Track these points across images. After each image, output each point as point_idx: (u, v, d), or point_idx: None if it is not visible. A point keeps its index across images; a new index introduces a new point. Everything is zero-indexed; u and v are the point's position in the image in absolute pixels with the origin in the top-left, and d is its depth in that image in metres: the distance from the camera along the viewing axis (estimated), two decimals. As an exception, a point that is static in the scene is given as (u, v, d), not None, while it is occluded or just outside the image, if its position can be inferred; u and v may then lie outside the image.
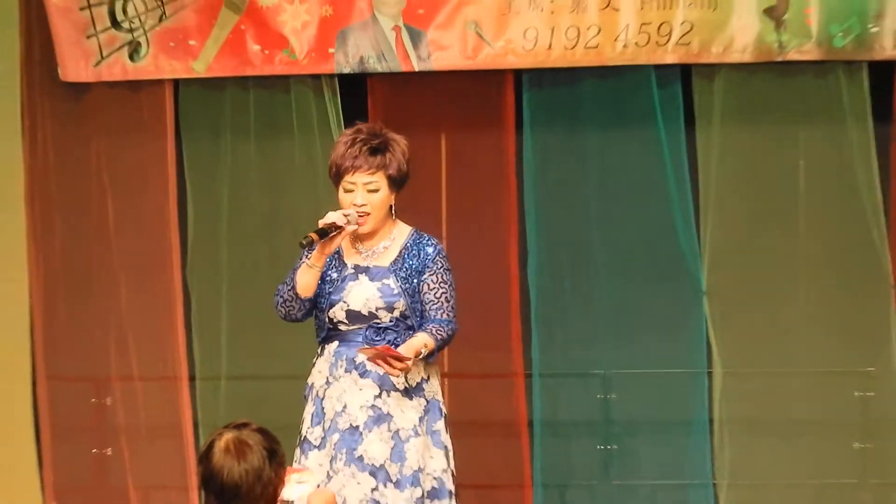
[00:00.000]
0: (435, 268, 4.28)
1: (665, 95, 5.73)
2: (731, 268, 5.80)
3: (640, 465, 5.84)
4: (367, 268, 4.29)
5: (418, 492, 4.28)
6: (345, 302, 4.25)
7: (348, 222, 4.18)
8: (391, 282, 4.25)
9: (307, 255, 4.24)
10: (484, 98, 5.82)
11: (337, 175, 4.23)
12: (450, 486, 4.36)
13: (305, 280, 4.23)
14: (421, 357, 4.16)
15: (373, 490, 4.20)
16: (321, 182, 5.59)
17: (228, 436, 3.44)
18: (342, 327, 4.28)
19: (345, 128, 5.62)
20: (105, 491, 6.05)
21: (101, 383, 5.99)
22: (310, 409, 4.33)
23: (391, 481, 4.27)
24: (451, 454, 4.40)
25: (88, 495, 6.04)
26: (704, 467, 5.76)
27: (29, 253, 5.99)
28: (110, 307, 6.01)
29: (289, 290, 4.28)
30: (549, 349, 5.90)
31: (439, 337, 4.20)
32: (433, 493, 4.33)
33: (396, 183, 4.22)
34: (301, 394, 4.38)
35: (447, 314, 4.27)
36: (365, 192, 4.18)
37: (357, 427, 4.22)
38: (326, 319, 4.29)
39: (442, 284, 4.27)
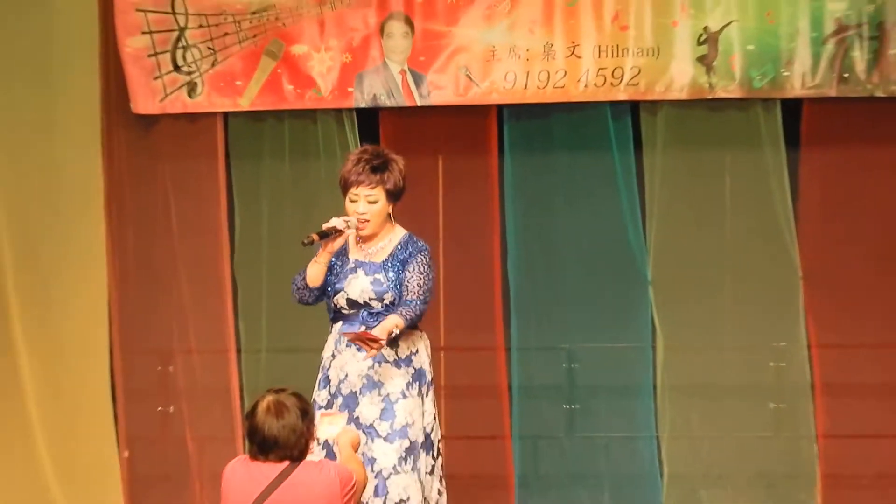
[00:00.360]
0: (415, 262, 4.35)
1: (618, 126, 5.95)
2: (671, 263, 5.99)
3: (598, 421, 6.01)
4: (365, 263, 4.38)
5: (406, 443, 4.33)
6: (345, 291, 4.36)
7: (348, 226, 4.29)
8: (382, 277, 4.35)
9: (314, 250, 4.33)
10: (473, 128, 6.02)
11: (344, 186, 4.34)
12: (434, 438, 4.44)
13: (313, 272, 4.33)
14: (393, 335, 4.20)
15: (363, 445, 4.25)
16: (341, 195, 5.87)
17: (269, 398, 3.70)
18: (344, 311, 4.39)
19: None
20: (167, 442, 6.18)
21: (165, 355, 6.18)
22: (319, 376, 4.44)
23: (380, 437, 4.32)
24: (435, 413, 4.48)
25: (154, 445, 6.18)
26: (649, 423, 5.95)
27: (107, 252, 6.13)
28: (172, 294, 6.17)
29: (301, 279, 4.38)
30: (524, 328, 6.08)
31: (408, 316, 4.23)
32: (421, 444, 4.40)
33: (393, 196, 4.33)
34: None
35: (417, 296, 4.29)
36: (366, 202, 4.29)
37: (355, 392, 4.34)
38: (332, 304, 4.40)
39: (418, 274, 4.33)
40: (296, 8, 5.93)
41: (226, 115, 6.09)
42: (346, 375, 4.33)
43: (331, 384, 4.36)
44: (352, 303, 4.34)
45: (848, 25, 5.73)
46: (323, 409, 4.27)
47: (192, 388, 6.16)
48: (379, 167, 4.29)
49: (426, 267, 4.35)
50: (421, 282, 4.30)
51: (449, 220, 6.08)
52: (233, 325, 6.15)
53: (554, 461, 6.07)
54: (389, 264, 4.36)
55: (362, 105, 5.96)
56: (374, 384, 4.33)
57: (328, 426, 4.06)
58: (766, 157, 5.91)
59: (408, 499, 4.26)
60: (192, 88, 6.03)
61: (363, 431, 4.25)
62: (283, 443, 3.64)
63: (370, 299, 4.31)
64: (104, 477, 6.09)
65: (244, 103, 6.01)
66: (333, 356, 4.38)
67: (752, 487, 5.93)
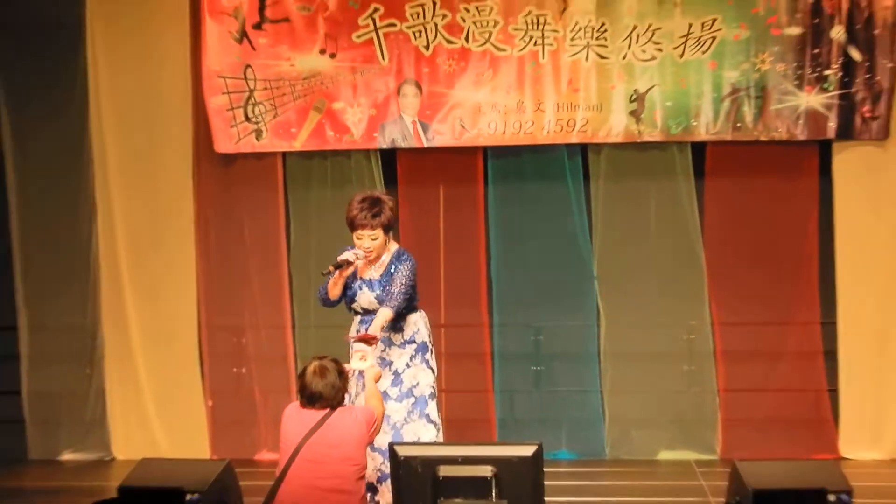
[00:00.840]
0: (400, 268, 4.45)
1: (571, 162, 6.21)
2: (611, 264, 6.25)
3: (557, 379, 6.26)
4: (367, 281, 4.48)
5: (412, 400, 4.47)
6: (357, 303, 4.53)
7: (356, 257, 4.41)
8: (380, 291, 4.46)
9: (331, 277, 4.43)
10: (465, 164, 6.27)
11: (351, 226, 4.46)
12: (434, 392, 4.54)
13: (333, 291, 4.49)
14: (384, 327, 4.32)
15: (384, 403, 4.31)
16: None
17: (315, 363, 3.98)
18: (359, 313, 4.56)
19: (383, 182, 6.22)
20: (240, 394, 6.34)
21: (238, 330, 6.37)
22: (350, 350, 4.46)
23: (392, 399, 4.46)
24: (435, 373, 4.60)
25: (231, 396, 6.35)
26: (595, 381, 6.21)
27: (196, 254, 6.33)
28: (244, 285, 6.36)
29: (324, 292, 4.51)
30: (502, 311, 6.30)
31: (392, 306, 4.34)
32: (425, 398, 4.50)
33: (388, 228, 4.47)
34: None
35: (398, 289, 4.37)
36: (369, 240, 4.43)
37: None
38: (351, 308, 4.56)
39: (400, 276, 4.42)
40: (335, 75, 6.15)
41: (284, 154, 6.28)
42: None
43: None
44: (364, 310, 4.52)
45: (739, 88, 5.99)
46: (356, 346, 4.32)
47: (258, 355, 6.33)
48: (377, 213, 4.40)
49: (408, 271, 4.43)
50: (403, 280, 4.39)
51: (447, 232, 6.28)
52: (289, 309, 6.31)
53: (525, 409, 6.28)
54: (386, 279, 4.48)
55: (384, 146, 6.21)
56: (386, 363, 4.50)
57: (359, 361, 4.24)
58: (680, 185, 6.16)
59: (419, 439, 4.39)
60: (258, 134, 6.23)
61: (385, 396, 4.39)
62: (325, 396, 3.91)
63: (374, 307, 4.49)
64: (193, 420, 6.30)
65: (297, 145, 6.23)
66: (354, 341, 4.45)
67: (669, 429, 6.17)
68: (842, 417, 6.07)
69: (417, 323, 4.57)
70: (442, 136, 6.17)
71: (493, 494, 3.84)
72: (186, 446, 6.12)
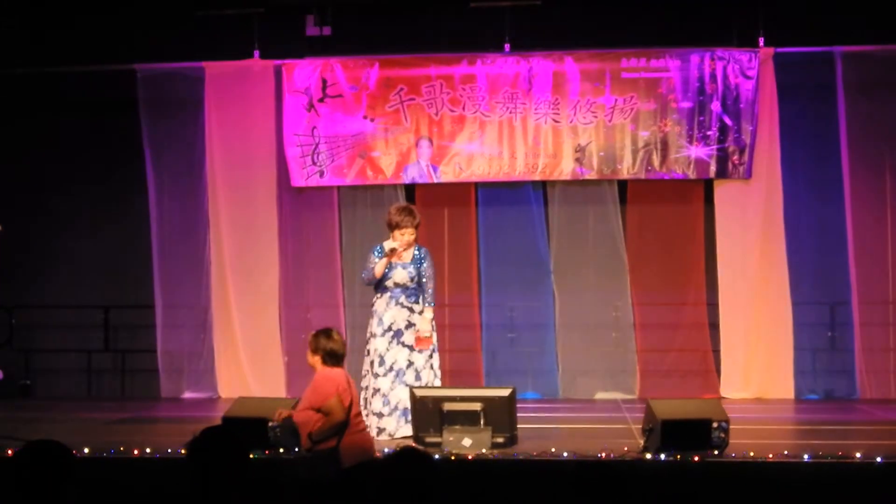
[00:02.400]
0: (425, 264, 4.37)
1: (535, 193, 6.14)
2: (563, 261, 6.16)
3: (525, 342, 6.11)
4: (400, 263, 4.38)
5: (427, 354, 4.33)
6: (392, 279, 4.36)
7: (399, 247, 4.34)
8: (409, 270, 4.36)
9: (378, 258, 4.31)
10: (463, 194, 6.19)
11: (393, 226, 4.36)
12: (436, 348, 4.43)
13: (378, 269, 4.33)
14: (433, 322, 4.26)
15: (409, 356, 4.27)
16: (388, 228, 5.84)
17: (334, 333, 3.64)
18: (390, 287, 4.35)
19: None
20: (307, 345, 5.72)
21: (304, 307, 6.23)
22: (374, 319, 4.37)
23: (415, 351, 4.31)
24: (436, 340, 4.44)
25: (300, 353, 5.36)
26: (552, 344, 6.08)
27: (279, 255, 6.17)
28: (310, 276, 6.23)
29: (370, 273, 4.35)
30: (488, 294, 6.21)
31: (431, 301, 4.31)
32: (434, 350, 4.41)
33: (417, 229, 4.43)
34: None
35: (431, 287, 4.34)
36: (409, 235, 4.35)
37: (401, 330, 4.32)
38: (385, 283, 4.34)
39: (428, 274, 4.36)
40: (374, 133, 6.11)
41: (338, 187, 6.21)
42: (395, 321, 4.32)
43: (384, 324, 4.31)
44: (395, 284, 4.36)
45: (649, 143, 5.97)
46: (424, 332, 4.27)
47: (319, 324, 5.45)
48: (413, 216, 4.40)
49: (431, 267, 4.37)
50: (432, 283, 4.35)
51: (450, 239, 6.18)
52: (341, 292, 6.19)
53: (503, 363, 6.14)
54: (411, 263, 4.39)
55: (407, 182, 6.14)
56: (410, 324, 4.35)
57: (426, 343, 4.31)
58: (609, 209, 6.11)
59: (427, 383, 4.25)
60: (321, 174, 6.17)
61: (409, 349, 4.28)
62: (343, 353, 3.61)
63: (405, 280, 4.37)
64: (274, 370, 6.10)
65: (347, 181, 6.19)
66: (386, 310, 4.33)
67: (604, 377, 6.06)
68: (722, 369, 6.00)
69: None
70: (446, 174, 6.16)
71: (482, 422, 3.83)
72: (269, 389, 5.96)
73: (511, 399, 3.92)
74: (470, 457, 3.68)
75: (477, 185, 6.23)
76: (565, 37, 5.99)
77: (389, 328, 4.31)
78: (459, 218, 6.25)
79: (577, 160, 6.07)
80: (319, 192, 6.29)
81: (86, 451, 3.69)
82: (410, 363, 4.25)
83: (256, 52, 6.16)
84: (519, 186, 6.20)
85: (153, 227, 6.28)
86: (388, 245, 4.31)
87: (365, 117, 6.15)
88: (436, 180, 6.17)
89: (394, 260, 4.40)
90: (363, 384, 4.33)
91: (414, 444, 3.76)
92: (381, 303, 4.37)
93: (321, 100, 6.14)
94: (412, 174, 6.20)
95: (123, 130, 6.31)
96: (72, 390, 6.39)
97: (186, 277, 6.25)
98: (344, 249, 6.30)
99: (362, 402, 4.16)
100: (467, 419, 3.80)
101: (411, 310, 4.34)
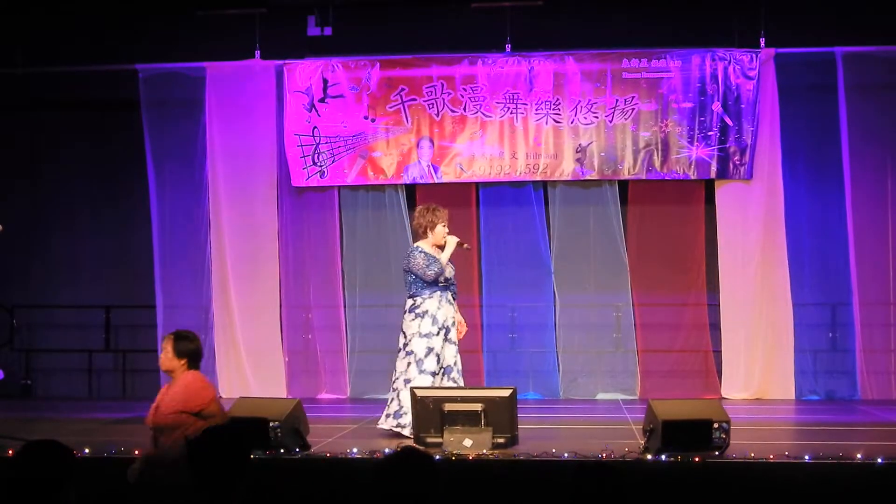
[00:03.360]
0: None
1: (536, 194, 6.14)
2: (563, 262, 6.16)
3: (526, 342, 6.12)
4: (450, 261, 4.32)
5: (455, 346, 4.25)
6: (443, 273, 4.22)
7: (464, 244, 4.31)
8: (452, 265, 4.30)
9: (429, 258, 4.17)
10: (464, 194, 6.17)
11: (432, 226, 4.24)
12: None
13: (445, 259, 4.21)
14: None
15: (456, 353, 4.24)
16: (392, 230, 6.14)
17: None
18: (441, 285, 4.22)
19: (406, 208, 6.07)
20: (307, 353, 6.21)
21: (306, 308, 6.24)
22: (432, 320, 4.19)
23: (457, 346, 4.28)
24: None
25: (300, 354, 6.20)
26: (553, 343, 6.10)
27: (279, 256, 6.19)
28: (311, 277, 6.21)
29: (438, 263, 4.18)
30: (489, 294, 6.21)
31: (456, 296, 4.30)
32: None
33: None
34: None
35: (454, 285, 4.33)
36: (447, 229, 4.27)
37: (449, 328, 4.23)
38: (442, 279, 4.22)
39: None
40: (375, 134, 6.11)
41: (339, 187, 6.20)
42: (446, 319, 4.23)
43: (438, 322, 4.20)
44: (446, 279, 4.26)
45: (650, 144, 5.98)
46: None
47: (319, 325, 6.21)
48: (443, 211, 4.33)
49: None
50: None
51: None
52: (341, 293, 6.19)
53: (504, 364, 6.16)
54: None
55: (408, 182, 6.14)
56: (453, 323, 4.28)
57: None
58: (610, 210, 6.10)
59: (455, 363, 4.17)
60: (322, 173, 6.16)
61: (455, 345, 4.24)
62: None
63: (453, 275, 4.30)
64: (275, 371, 6.14)
65: (348, 181, 6.18)
66: (438, 308, 4.21)
67: (604, 377, 6.07)
68: (723, 370, 6.00)
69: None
70: (447, 175, 6.16)
71: (482, 423, 3.79)
72: (270, 389, 6.01)
73: (512, 399, 3.89)
74: (471, 457, 3.66)
75: (478, 185, 6.23)
76: (566, 37, 6.00)
77: (443, 325, 4.23)
78: (460, 218, 6.14)
79: (578, 160, 6.07)
80: (320, 192, 6.28)
81: (86, 451, 3.68)
82: (457, 361, 4.28)
83: (258, 53, 6.17)
84: (520, 187, 6.19)
85: (154, 227, 6.28)
86: (451, 240, 4.21)
87: (366, 117, 6.15)
88: (437, 180, 6.16)
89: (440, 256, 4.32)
90: (395, 386, 4.17)
91: (414, 445, 3.78)
92: (432, 302, 4.23)
93: (322, 100, 6.14)
94: (413, 174, 6.19)
95: (125, 130, 6.33)
96: (72, 390, 6.39)
97: (187, 277, 6.25)
98: (344, 250, 6.30)
99: (398, 403, 4.12)
100: (468, 419, 3.79)
101: (452, 306, 4.35)
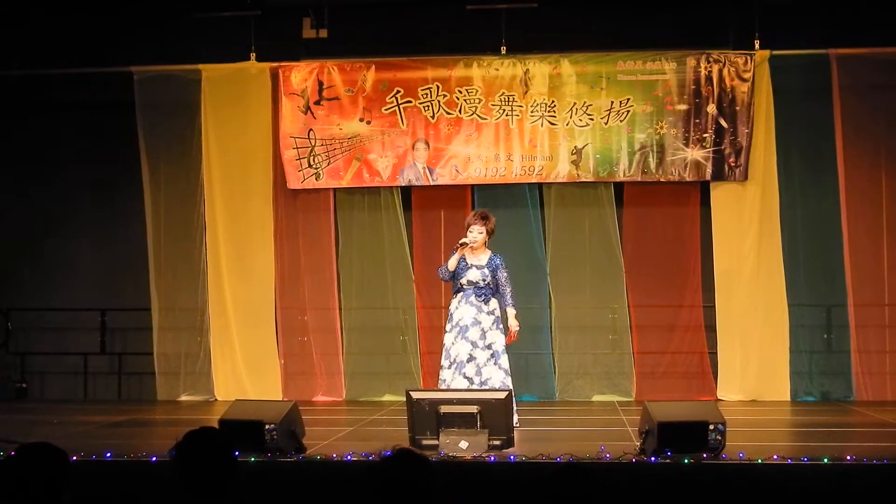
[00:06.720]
0: (502, 270, 4.56)
1: (531, 195, 6.10)
2: (559, 265, 6.13)
3: (523, 345, 5.51)
4: (475, 264, 4.55)
5: (490, 352, 4.50)
6: (466, 277, 4.51)
7: (468, 242, 4.50)
8: (483, 271, 4.53)
9: (455, 253, 4.50)
10: (459, 197, 6.14)
11: (467, 226, 4.56)
12: (505, 349, 4.57)
13: (452, 263, 4.50)
14: (517, 316, 4.48)
15: (470, 351, 4.43)
16: (388, 232, 6.08)
17: None
18: (464, 287, 4.51)
19: (402, 210, 6.09)
20: (303, 355, 6.07)
21: (302, 310, 6.16)
22: (449, 318, 4.52)
23: (479, 348, 4.48)
24: (504, 335, 4.56)
25: (296, 356, 6.11)
26: (549, 345, 6.05)
27: (275, 258, 6.16)
28: (307, 279, 6.16)
29: (445, 269, 4.52)
30: None
31: (513, 303, 4.52)
32: (499, 352, 4.51)
33: (490, 233, 4.54)
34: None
35: (510, 292, 4.55)
36: (477, 233, 4.51)
37: (467, 326, 4.47)
38: (458, 283, 4.53)
39: (508, 283, 4.56)
40: (370, 136, 6.07)
41: (334, 189, 6.17)
42: (462, 318, 4.48)
43: (453, 321, 4.49)
44: (469, 282, 4.51)
45: (645, 146, 5.96)
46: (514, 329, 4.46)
47: (315, 328, 6.17)
48: (486, 219, 4.56)
49: (507, 273, 4.57)
50: (510, 286, 4.57)
51: (447, 243, 5.99)
52: (336, 295, 6.15)
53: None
54: (486, 265, 4.55)
55: (403, 184, 6.12)
56: (476, 323, 4.49)
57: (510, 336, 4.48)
58: (605, 212, 6.08)
59: (491, 378, 4.41)
60: (317, 176, 6.13)
61: (470, 343, 4.41)
62: None
63: (478, 280, 4.52)
64: (270, 373, 6.12)
65: (344, 183, 6.14)
66: (457, 308, 4.50)
67: (600, 379, 6.02)
68: (719, 371, 5.98)
69: (496, 303, 4.65)
70: (443, 177, 6.15)
71: (478, 425, 3.78)
72: (265, 391, 5.99)
73: (507, 402, 3.87)
74: (466, 459, 3.64)
75: (473, 187, 6.20)
76: (562, 39, 5.98)
77: (458, 324, 4.49)
78: (456, 220, 6.09)
79: (574, 163, 6.06)
80: (315, 194, 6.25)
81: (81, 454, 3.63)
82: (471, 357, 4.41)
83: (253, 55, 6.15)
84: (515, 189, 6.16)
85: (149, 230, 6.24)
86: (463, 241, 4.51)
87: (361, 120, 6.13)
88: (432, 182, 6.15)
89: (470, 260, 4.56)
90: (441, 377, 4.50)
91: (410, 447, 3.75)
92: (454, 302, 4.56)
93: (317, 102, 6.12)
94: (409, 176, 6.17)
95: (120, 133, 6.27)
96: (67, 393, 6.37)
97: (183, 280, 6.21)
98: (340, 252, 6.26)
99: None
100: (464, 422, 3.78)
101: (479, 309, 4.52)
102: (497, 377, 4.48)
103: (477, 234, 4.55)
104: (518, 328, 4.53)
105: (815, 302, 5.95)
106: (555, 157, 6.03)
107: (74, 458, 3.44)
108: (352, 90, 6.10)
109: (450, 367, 4.46)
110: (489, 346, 4.52)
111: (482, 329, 4.54)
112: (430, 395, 3.97)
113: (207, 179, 6.23)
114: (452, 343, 4.47)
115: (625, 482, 3.27)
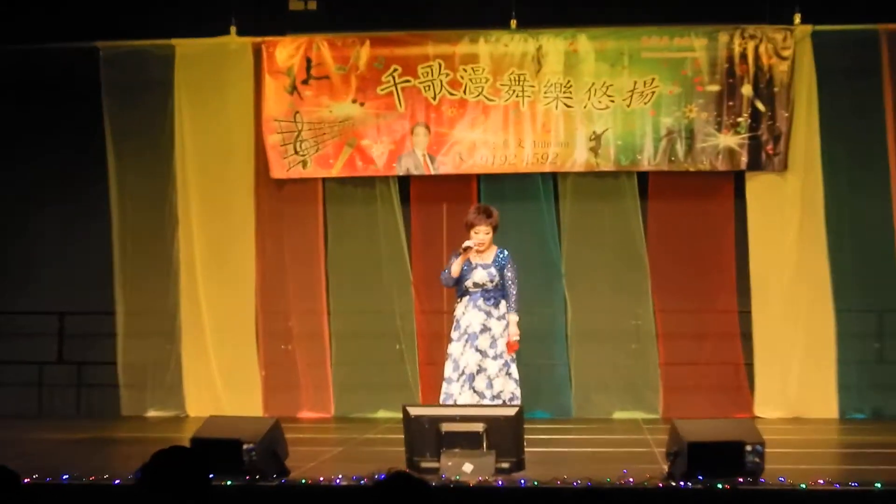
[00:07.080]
0: (508, 269, 4.63)
1: (545, 187, 6.11)
2: (575, 265, 6.12)
3: (536, 354, 5.79)
4: (480, 264, 4.64)
5: (502, 360, 4.58)
6: (471, 279, 4.61)
7: (472, 245, 4.59)
8: (490, 271, 4.62)
9: (456, 256, 4.59)
10: (463, 188, 6.12)
11: (470, 226, 4.63)
12: (514, 357, 4.66)
13: (455, 268, 4.61)
14: (518, 323, 4.54)
15: (480, 361, 4.52)
16: (384, 228, 6.11)
17: None
18: (470, 289, 4.62)
19: (399, 203, 6.10)
20: (287, 365, 6.14)
21: (286, 315, 6.17)
22: (455, 324, 4.62)
23: (489, 357, 4.56)
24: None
25: (279, 367, 6.14)
26: (564, 355, 6.05)
27: (255, 254, 6.16)
28: (291, 280, 6.17)
29: (448, 274, 4.62)
30: None
31: (516, 306, 4.60)
32: (508, 361, 4.58)
33: (495, 229, 4.65)
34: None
35: (515, 296, 4.62)
36: (483, 234, 4.60)
37: (476, 333, 4.57)
38: (464, 286, 4.62)
39: (511, 279, 4.62)
40: (364, 119, 6.08)
41: (323, 179, 6.18)
42: (470, 324, 4.59)
43: (461, 328, 4.59)
44: (475, 284, 4.60)
45: (673, 131, 5.95)
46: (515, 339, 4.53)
47: (301, 334, 6.17)
48: (489, 216, 4.64)
49: (514, 271, 4.64)
50: (515, 288, 4.63)
51: (449, 240, 6.00)
52: (325, 298, 6.14)
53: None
54: (492, 263, 4.64)
55: (401, 174, 6.12)
56: (485, 329, 4.58)
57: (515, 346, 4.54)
58: (628, 205, 6.06)
59: (501, 391, 4.51)
60: (304, 164, 6.13)
61: (481, 353, 4.53)
62: None
63: (485, 282, 4.61)
64: (250, 386, 6.12)
65: (334, 172, 6.15)
66: (464, 314, 4.61)
67: (622, 392, 6.02)
68: (756, 385, 5.97)
69: (506, 307, 4.73)
70: (445, 165, 6.14)
71: (484, 446, 3.76)
72: (244, 406, 5.97)
73: (518, 419, 3.87)
74: (471, 484, 3.63)
75: (479, 177, 6.20)
76: (579, 12, 5.98)
77: (465, 331, 4.58)
78: (459, 215, 5.97)
79: (593, 150, 6.05)
80: (302, 184, 6.25)
81: (35, 476, 3.65)
82: (481, 369, 4.51)
83: (233, 28, 6.15)
84: (526, 179, 6.16)
85: (115, 224, 6.24)
86: (467, 244, 4.57)
87: (354, 101, 6.13)
88: (433, 172, 6.14)
89: (474, 260, 4.63)
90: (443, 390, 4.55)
91: (407, 470, 3.68)
92: (460, 307, 4.65)
93: (305, 81, 6.12)
94: (407, 165, 6.17)
95: (83, 116, 6.25)
96: (21, 407, 6.26)
97: (151, 280, 6.22)
98: (329, 249, 6.26)
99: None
100: (468, 442, 3.77)
101: (489, 314, 4.60)
102: (509, 388, 4.56)
103: (483, 234, 4.59)
104: (518, 337, 4.55)
105: (864, 307, 5.94)
106: (571, 143, 6.03)
107: (27, 480, 3.48)
108: (343, 68, 6.10)
109: (458, 380, 4.50)
110: (500, 356, 4.57)
111: (492, 336, 4.60)
112: (430, 411, 3.99)
113: (181, 168, 6.22)
114: (461, 353, 4.52)
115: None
